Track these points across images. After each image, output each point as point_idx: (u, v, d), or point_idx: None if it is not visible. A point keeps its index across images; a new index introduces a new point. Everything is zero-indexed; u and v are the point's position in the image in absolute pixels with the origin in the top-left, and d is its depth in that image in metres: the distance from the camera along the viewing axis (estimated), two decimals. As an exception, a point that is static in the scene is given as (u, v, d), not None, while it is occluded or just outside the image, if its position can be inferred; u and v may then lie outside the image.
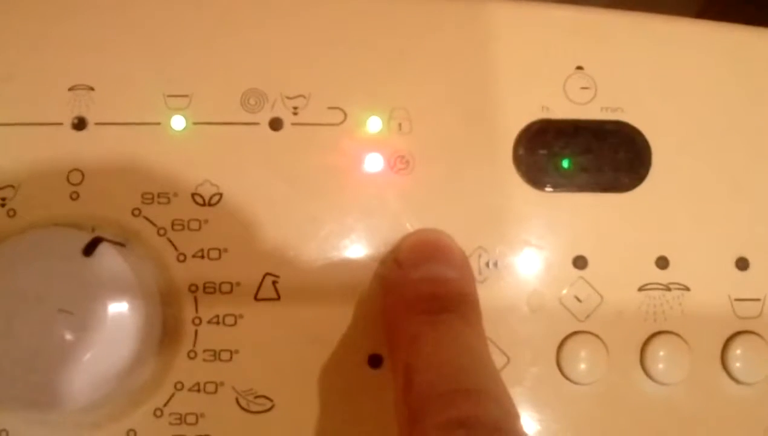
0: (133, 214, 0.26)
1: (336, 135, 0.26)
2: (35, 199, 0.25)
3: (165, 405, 0.25)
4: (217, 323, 0.26)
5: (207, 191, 0.26)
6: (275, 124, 0.26)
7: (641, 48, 0.28)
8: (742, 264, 0.27)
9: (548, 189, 0.27)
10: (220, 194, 0.26)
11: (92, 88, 0.26)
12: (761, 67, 0.28)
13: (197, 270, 0.26)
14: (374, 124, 0.27)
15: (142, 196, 0.26)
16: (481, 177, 0.27)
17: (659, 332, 0.27)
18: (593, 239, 0.27)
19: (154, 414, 0.25)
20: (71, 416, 0.25)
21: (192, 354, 0.26)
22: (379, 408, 0.26)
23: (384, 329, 0.25)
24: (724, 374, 0.27)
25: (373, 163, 0.27)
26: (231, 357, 0.26)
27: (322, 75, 0.27)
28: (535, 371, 0.27)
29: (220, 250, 0.26)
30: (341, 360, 0.26)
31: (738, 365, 0.27)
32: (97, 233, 0.24)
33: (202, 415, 0.25)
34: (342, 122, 0.26)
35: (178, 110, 0.26)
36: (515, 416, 0.22)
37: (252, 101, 0.26)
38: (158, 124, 0.26)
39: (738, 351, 0.27)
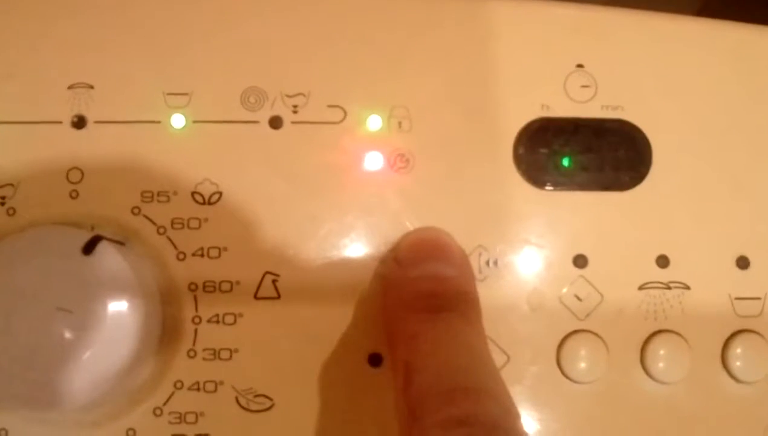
0: (132, 212, 0.26)
1: (336, 133, 0.26)
2: (35, 197, 0.25)
3: (165, 404, 0.25)
4: (217, 321, 0.26)
5: (207, 190, 0.26)
6: (275, 123, 0.26)
7: (642, 46, 0.28)
8: (743, 263, 0.27)
9: (548, 188, 0.27)
10: (220, 193, 0.26)
11: (92, 87, 0.26)
12: (762, 66, 0.28)
13: (197, 269, 0.26)
14: (374, 123, 0.27)
15: (142, 194, 0.26)
16: (481, 175, 0.27)
17: (659, 331, 0.27)
18: (593, 238, 0.27)
19: (154, 413, 0.25)
20: (71, 415, 0.25)
21: (192, 353, 0.26)
22: (379, 407, 0.26)
23: (384, 327, 0.25)
24: (724, 372, 0.27)
25: (373, 161, 0.27)
26: (231, 356, 0.26)
27: (322, 73, 0.27)
28: (535, 369, 0.27)
29: (219, 248, 0.26)
30: (341, 359, 0.26)
31: (738, 363, 0.27)
32: (96, 232, 0.24)
33: (202, 414, 0.25)
34: (342, 120, 0.26)
35: (177, 108, 0.26)
36: (515, 415, 0.22)
37: (252, 99, 0.26)
38: (158, 122, 0.26)
39: (738, 350, 0.27)
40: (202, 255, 0.26)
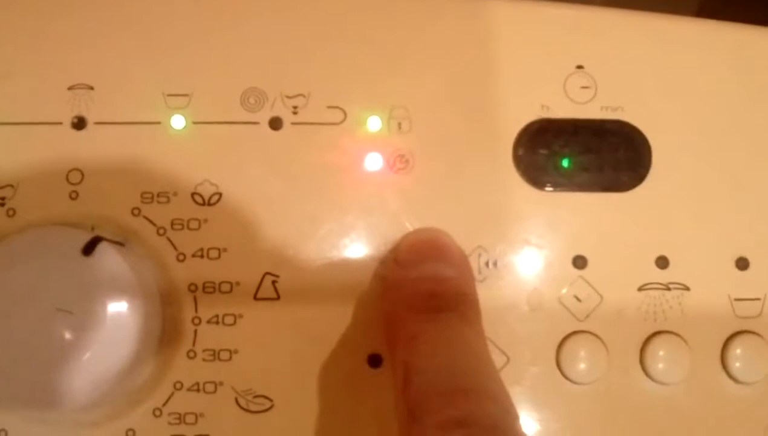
0: (132, 213, 0.26)
1: (336, 134, 0.26)
2: (35, 198, 0.25)
3: (164, 405, 0.25)
4: (217, 322, 0.26)
5: (206, 191, 0.26)
6: (275, 124, 0.26)
7: (642, 47, 0.28)
8: (742, 264, 0.27)
9: (548, 188, 0.27)
10: (220, 194, 0.26)
11: (92, 88, 0.26)
12: (761, 66, 0.28)
13: (197, 270, 0.26)
14: (374, 124, 0.27)
15: (142, 195, 0.26)
16: (480, 176, 0.27)
17: (659, 332, 0.27)
18: (593, 239, 0.27)
19: (154, 414, 0.25)
20: (70, 415, 0.25)
21: (191, 354, 0.26)
22: (379, 408, 0.26)
23: (383, 328, 0.25)
24: (723, 373, 0.27)
25: (373, 162, 0.27)
26: (230, 357, 0.26)
27: (321, 74, 0.27)
28: (534, 370, 0.27)
29: (219, 249, 0.26)
30: (341, 359, 0.26)
31: (738, 364, 0.27)
32: (96, 233, 0.24)
33: (202, 415, 0.25)
34: (342, 121, 0.26)
35: (177, 109, 0.26)
36: (514, 416, 0.22)
37: (252, 100, 0.26)
38: (158, 123, 0.26)
39: (738, 351, 0.27)
40: (201, 256, 0.26)
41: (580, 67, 0.27)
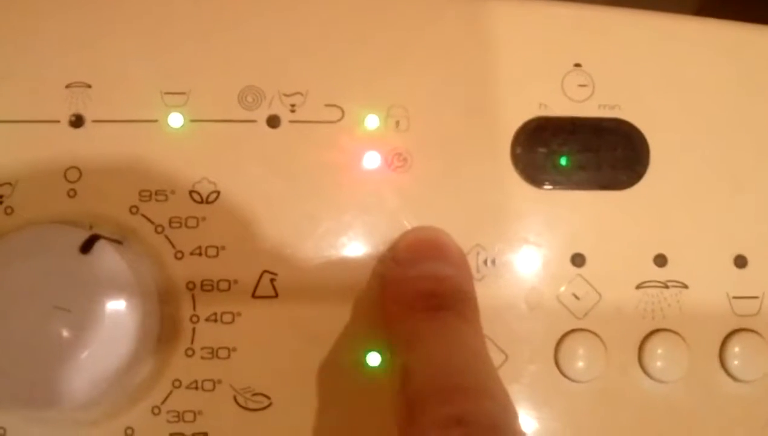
0: (130, 211, 0.26)
1: (333, 132, 0.26)
2: (32, 196, 0.25)
3: (163, 403, 0.25)
4: (215, 320, 0.26)
5: (204, 189, 0.26)
6: (272, 122, 0.26)
7: (639, 45, 0.28)
8: (741, 262, 0.27)
9: (546, 187, 0.27)
10: (218, 192, 0.26)
11: (89, 86, 0.26)
12: (760, 65, 0.28)
13: (195, 268, 0.26)
14: (372, 122, 0.27)
15: (140, 193, 0.26)
16: (478, 175, 0.27)
17: (657, 330, 0.27)
18: (591, 237, 0.27)
19: (152, 412, 0.25)
20: (69, 414, 0.25)
21: (190, 352, 0.26)
22: (377, 406, 0.26)
23: (382, 326, 0.25)
24: (722, 371, 0.27)
25: (371, 160, 0.27)
26: (229, 355, 0.26)
27: (319, 72, 0.27)
28: (533, 368, 0.27)
29: (217, 247, 0.26)
30: (339, 358, 0.26)
31: (736, 362, 0.27)
32: (94, 231, 0.24)
33: (200, 412, 0.25)
34: (339, 120, 0.26)
35: (175, 107, 0.26)
36: (513, 414, 0.22)
37: (249, 98, 0.26)
38: (155, 121, 0.26)
39: (736, 349, 0.27)
40: (200, 254, 0.26)
41: (577, 65, 0.27)
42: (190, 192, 0.26)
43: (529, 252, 0.27)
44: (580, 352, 0.26)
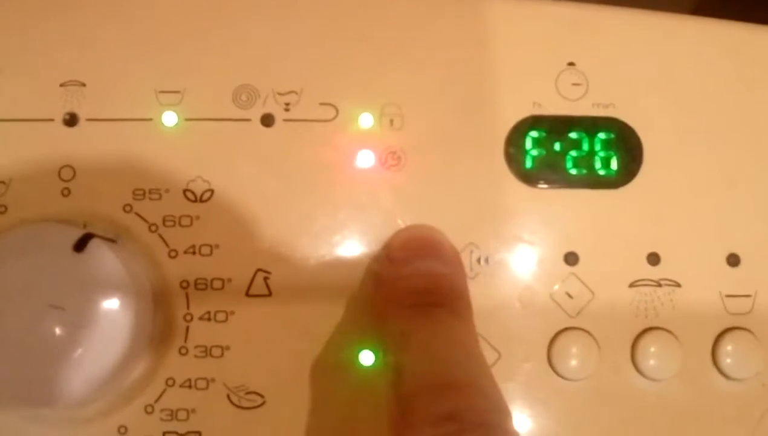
0: (124, 210, 0.26)
1: (328, 131, 0.26)
2: (26, 195, 0.25)
3: (156, 401, 0.25)
4: (209, 319, 0.26)
5: (198, 187, 0.26)
6: (267, 121, 0.26)
7: (633, 44, 0.28)
8: (733, 260, 0.27)
9: (540, 185, 0.27)
10: (212, 190, 0.26)
11: (83, 84, 0.26)
12: (754, 64, 0.28)
13: (189, 266, 0.26)
14: (366, 120, 0.27)
15: (134, 192, 0.26)
16: (472, 173, 0.27)
17: (650, 328, 0.27)
18: (585, 235, 0.27)
19: (146, 410, 0.25)
20: (62, 412, 0.25)
21: (183, 350, 0.26)
22: (371, 404, 0.26)
23: (375, 324, 0.25)
24: (714, 370, 0.27)
25: (365, 159, 0.27)
26: (222, 353, 0.26)
27: (313, 71, 0.27)
28: (526, 367, 0.27)
29: (211, 246, 0.26)
30: (333, 356, 0.26)
31: (729, 361, 0.27)
32: (88, 229, 0.24)
33: (194, 411, 0.25)
34: (334, 118, 0.26)
35: (169, 106, 0.26)
36: (505, 411, 0.22)
37: (244, 97, 0.26)
38: (150, 120, 0.26)
39: (729, 347, 0.27)
40: (193, 252, 0.26)
41: (571, 64, 0.27)
42: (184, 191, 0.26)
43: (523, 250, 0.27)
44: (573, 350, 0.27)
